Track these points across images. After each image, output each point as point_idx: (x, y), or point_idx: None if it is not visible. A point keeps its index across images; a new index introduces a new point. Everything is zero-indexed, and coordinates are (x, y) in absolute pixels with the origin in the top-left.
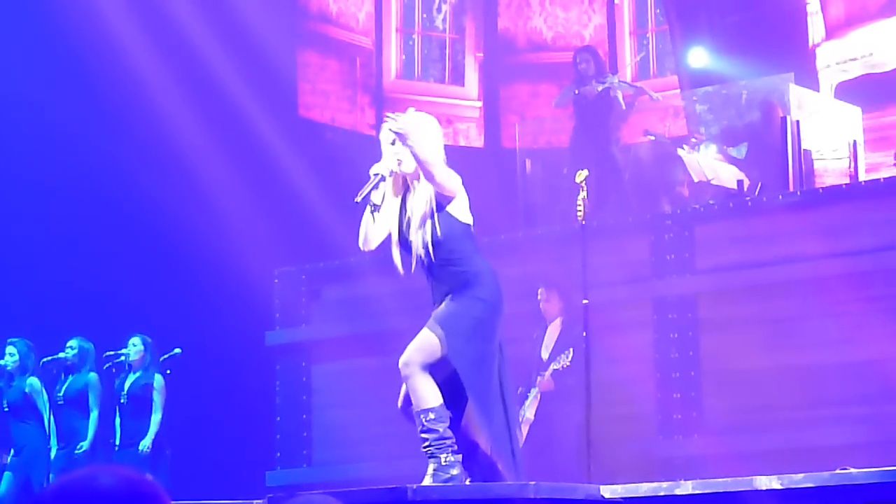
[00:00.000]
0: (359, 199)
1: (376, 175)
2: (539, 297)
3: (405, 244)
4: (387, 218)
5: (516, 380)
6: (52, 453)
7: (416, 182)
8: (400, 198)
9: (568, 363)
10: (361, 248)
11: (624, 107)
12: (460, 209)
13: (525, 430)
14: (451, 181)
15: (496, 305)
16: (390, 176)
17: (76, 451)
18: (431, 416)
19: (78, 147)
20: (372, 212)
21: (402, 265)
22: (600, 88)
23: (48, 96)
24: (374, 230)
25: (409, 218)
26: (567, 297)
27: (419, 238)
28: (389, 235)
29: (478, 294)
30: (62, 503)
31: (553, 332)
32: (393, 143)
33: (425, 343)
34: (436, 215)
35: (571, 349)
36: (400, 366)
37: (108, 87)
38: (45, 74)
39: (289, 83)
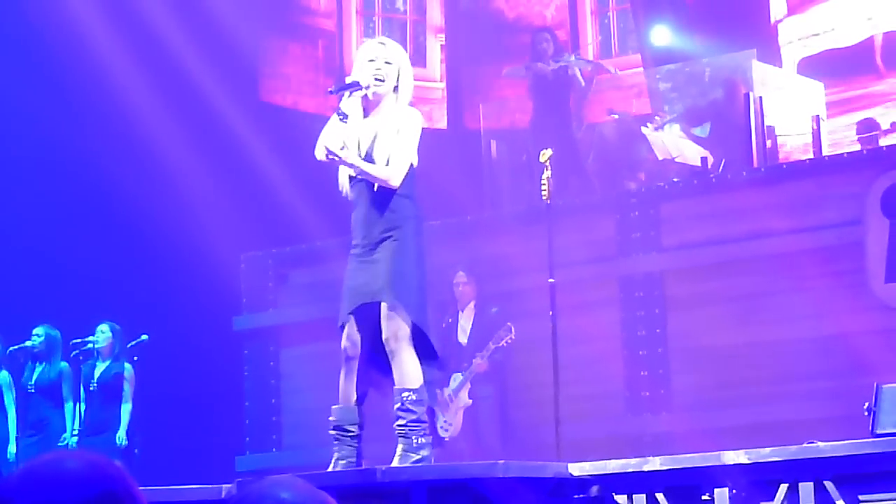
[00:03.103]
0: (332, 89)
1: (355, 81)
2: (457, 280)
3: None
4: (348, 134)
5: None
6: (12, 447)
7: (381, 106)
8: (361, 121)
9: (513, 336)
10: (317, 157)
11: (583, 83)
12: (413, 147)
13: (460, 415)
14: (419, 118)
15: (424, 250)
16: (366, 89)
17: (50, 440)
18: (413, 396)
19: (42, 134)
20: (341, 120)
21: (350, 188)
22: (555, 66)
23: (12, 84)
24: (336, 140)
25: (374, 136)
26: (480, 282)
27: (382, 157)
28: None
29: (407, 246)
30: (28, 487)
31: (468, 315)
32: (372, 61)
33: (399, 315)
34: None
35: (510, 324)
36: (387, 340)
37: (72, 75)
38: (9, 65)
39: (250, 67)
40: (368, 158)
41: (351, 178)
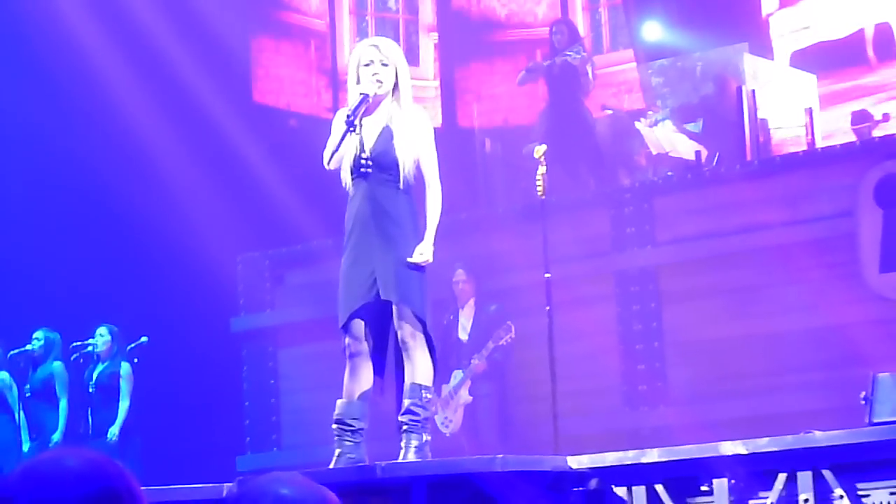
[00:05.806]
0: (350, 114)
1: (363, 95)
2: (457, 278)
3: (357, 163)
4: (352, 139)
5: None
6: (25, 447)
7: (381, 106)
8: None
9: (513, 335)
10: (327, 167)
11: (591, 79)
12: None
13: (461, 411)
14: (428, 117)
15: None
16: (373, 97)
17: (49, 444)
18: (428, 395)
19: (37, 138)
20: (353, 132)
21: (352, 182)
22: (560, 60)
23: (10, 90)
24: (344, 150)
25: (378, 134)
26: (479, 279)
27: (408, 155)
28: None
29: (409, 244)
30: (29, 485)
31: (468, 313)
32: (368, 65)
33: (411, 313)
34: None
35: (510, 323)
36: (403, 338)
37: (66, 79)
38: (5, 71)
39: (243, 69)
40: (376, 158)
41: (353, 172)
